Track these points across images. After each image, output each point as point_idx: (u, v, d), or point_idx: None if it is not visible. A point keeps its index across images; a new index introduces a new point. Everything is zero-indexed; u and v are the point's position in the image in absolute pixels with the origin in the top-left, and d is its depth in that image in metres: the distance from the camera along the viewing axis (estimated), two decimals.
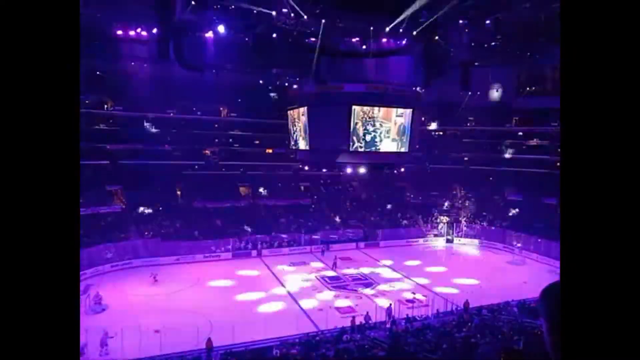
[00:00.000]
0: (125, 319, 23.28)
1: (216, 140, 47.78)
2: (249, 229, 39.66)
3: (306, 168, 42.54)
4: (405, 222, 45.81)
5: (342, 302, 27.20)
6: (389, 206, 47.77)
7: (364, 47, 30.00)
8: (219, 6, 25.28)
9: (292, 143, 30.42)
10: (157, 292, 28.36)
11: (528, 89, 47.51)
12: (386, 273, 33.79)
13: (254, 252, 38.04)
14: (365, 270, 34.48)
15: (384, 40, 30.05)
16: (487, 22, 27.02)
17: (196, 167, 45.57)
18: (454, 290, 28.09)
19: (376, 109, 26.09)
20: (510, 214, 44.81)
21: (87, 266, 30.84)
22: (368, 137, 26.13)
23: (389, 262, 36.47)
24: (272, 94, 46.73)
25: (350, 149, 26.13)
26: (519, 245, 39.55)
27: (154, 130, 44.21)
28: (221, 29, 25.30)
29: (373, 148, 26.48)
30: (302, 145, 28.54)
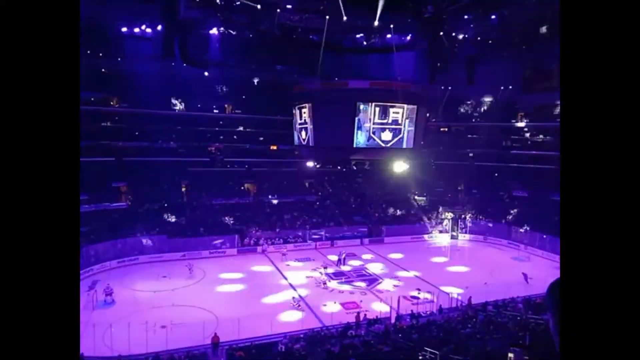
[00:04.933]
0: (131, 315, 23.49)
1: (221, 137, 47.86)
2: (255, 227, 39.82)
3: (310, 164, 42.54)
4: (410, 218, 45.74)
5: (347, 298, 27.26)
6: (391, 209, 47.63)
7: (368, 43, 29.93)
8: (223, 2, 25.29)
9: (297, 140, 30.44)
10: (163, 288, 28.55)
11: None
12: (390, 269, 33.80)
13: (259, 249, 38.18)
14: (370, 266, 34.52)
15: (389, 36, 29.94)
16: (493, 17, 26.87)
17: (203, 165, 45.70)
18: (459, 287, 28.05)
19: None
20: (513, 212, 44.58)
21: (94, 262, 31.10)
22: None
23: (393, 258, 36.47)
24: (276, 91, 46.69)
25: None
26: (524, 241, 39.45)
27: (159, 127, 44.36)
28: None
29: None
30: (307, 141, 28.55)
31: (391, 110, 26.11)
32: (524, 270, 31.07)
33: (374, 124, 25.85)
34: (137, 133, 43.71)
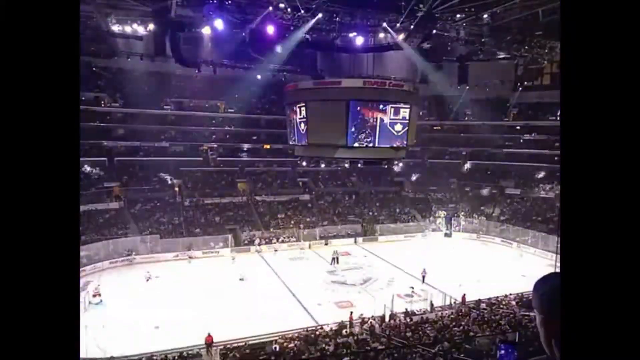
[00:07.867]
0: (124, 316, 23.36)
1: (214, 136, 47.61)
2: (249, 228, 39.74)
3: (304, 163, 42.64)
4: (403, 217, 45.89)
5: (341, 297, 27.29)
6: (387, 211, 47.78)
7: (361, 42, 29.91)
8: (215, 0, 25.09)
9: (291, 138, 30.37)
10: (156, 289, 28.39)
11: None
12: (385, 268, 33.90)
13: (253, 248, 38.08)
14: (364, 265, 34.57)
15: (382, 35, 29.98)
16: (485, 16, 26.97)
17: (196, 164, 45.45)
18: (453, 284, 28.19)
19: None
20: (508, 208, 44.90)
21: (86, 263, 30.86)
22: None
23: (387, 257, 36.55)
24: (269, 90, 46.48)
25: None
26: (516, 239, 39.75)
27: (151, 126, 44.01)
28: (219, 24, 24.93)
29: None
30: (300, 140, 28.50)
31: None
32: (519, 268, 31.27)
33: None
34: (128, 132, 43.34)
